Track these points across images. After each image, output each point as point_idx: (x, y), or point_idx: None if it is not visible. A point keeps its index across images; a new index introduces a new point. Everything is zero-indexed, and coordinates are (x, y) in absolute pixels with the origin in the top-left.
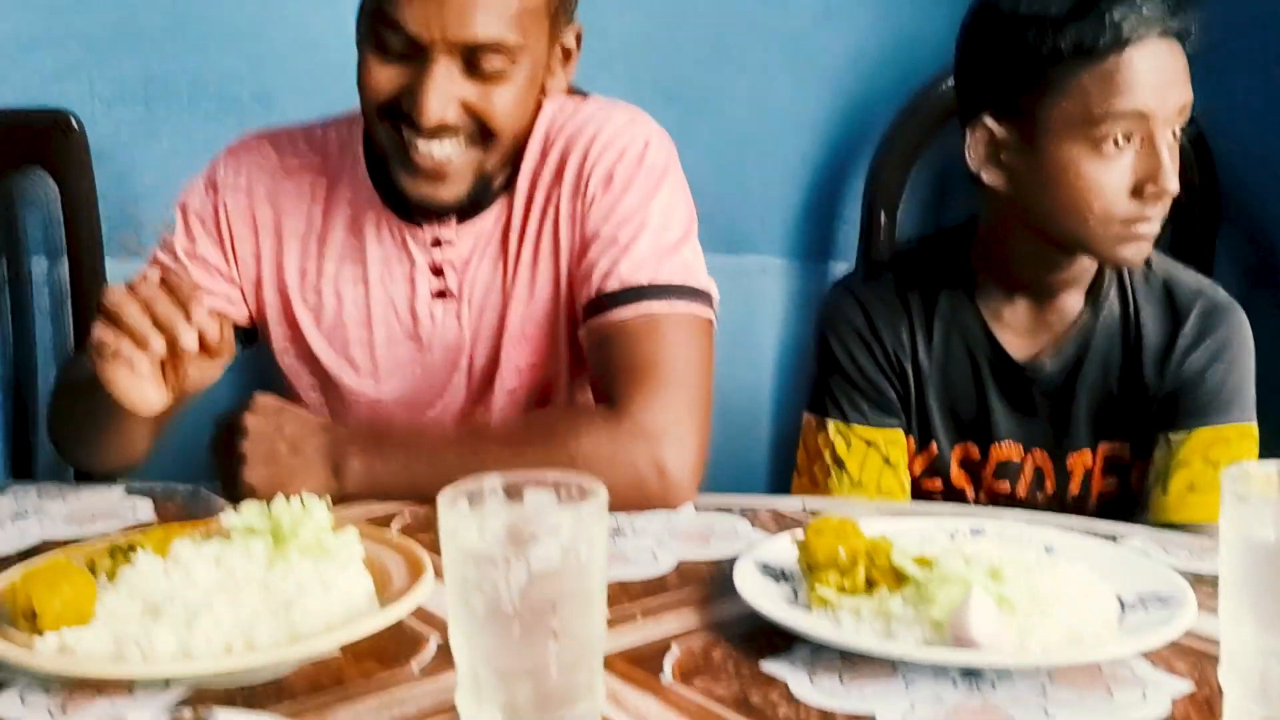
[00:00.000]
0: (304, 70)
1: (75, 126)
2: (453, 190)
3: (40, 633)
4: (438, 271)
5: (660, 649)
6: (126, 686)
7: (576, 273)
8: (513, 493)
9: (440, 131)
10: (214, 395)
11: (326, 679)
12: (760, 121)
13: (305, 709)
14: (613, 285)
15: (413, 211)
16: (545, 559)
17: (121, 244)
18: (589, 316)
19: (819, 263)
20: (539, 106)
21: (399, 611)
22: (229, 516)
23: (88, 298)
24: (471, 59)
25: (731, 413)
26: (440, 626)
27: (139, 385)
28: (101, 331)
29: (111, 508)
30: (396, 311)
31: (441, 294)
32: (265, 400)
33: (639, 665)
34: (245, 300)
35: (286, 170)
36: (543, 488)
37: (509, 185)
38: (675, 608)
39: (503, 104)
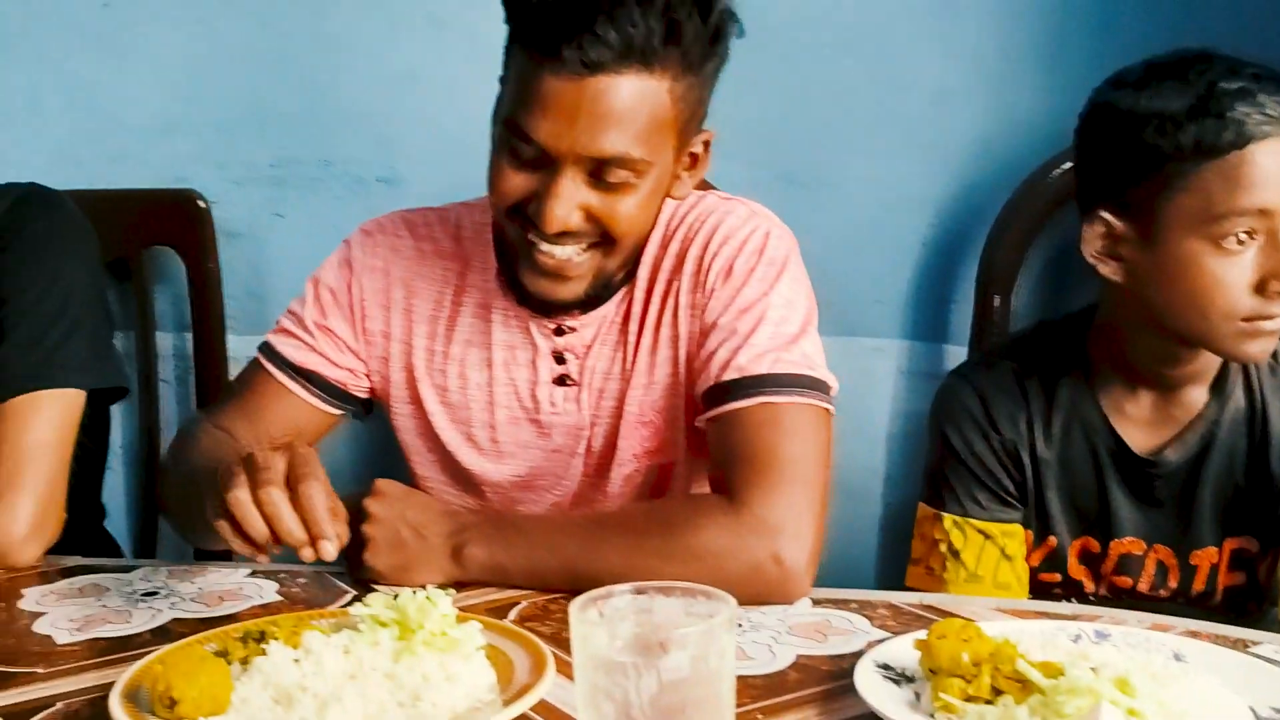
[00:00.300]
0: (428, 153)
1: (203, 207)
2: (572, 290)
3: None
4: (559, 358)
5: None
6: None
7: (695, 361)
8: (643, 601)
9: (563, 236)
10: (329, 469)
11: None
12: (876, 203)
13: None
14: (731, 375)
15: (536, 303)
16: (676, 669)
17: (245, 319)
18: (707, 405)
19: (933, 344)
20: (661, 208)
21: (522, 707)
22: (357, 608)
23: (212, 370)
24: (598, 170)
25: (844, 492)
26: None
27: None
28: (222, 528)
29: (238, 589)
30: (519, 395)
31: (562, 380)
32: (388, 485)
33: None
34: (369, 375)
35: (420, 252)
36: (672, 596)
37: (630, 274)
38: (795, 707)
39: (626, 213)
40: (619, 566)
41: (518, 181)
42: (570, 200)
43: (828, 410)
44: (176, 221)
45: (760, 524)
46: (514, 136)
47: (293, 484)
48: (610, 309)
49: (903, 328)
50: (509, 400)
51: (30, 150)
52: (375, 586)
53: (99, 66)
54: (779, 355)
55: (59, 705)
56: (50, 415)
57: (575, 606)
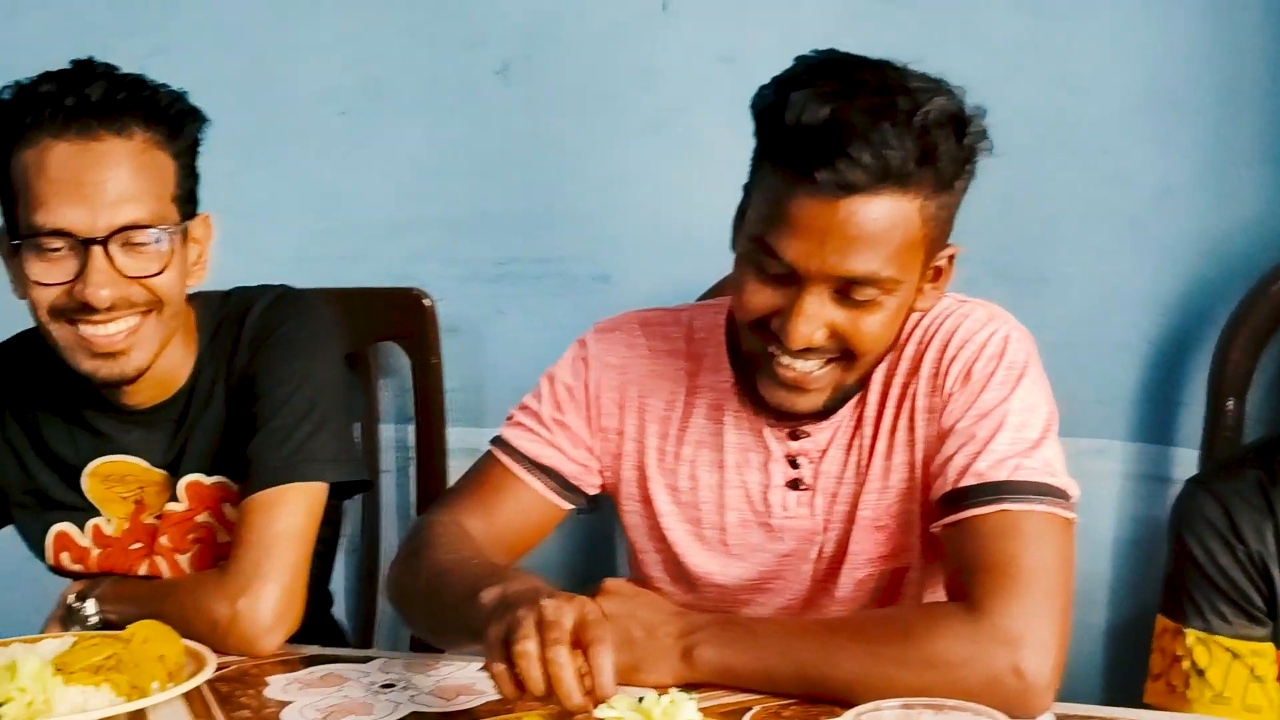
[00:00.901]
0: (643, 253)
1: (428, 304)
2: (810, 401)
3: None
4: (793, 462)
5: None
6: None
7: (931, 466)
8: (911, 716)
9: (806, 351)
10: (548, 563)
11: None
12: (1096, 301)
13: None
14: (970, 480)
15: (771, 410)
16: None
17: (464, 412)
18: (943, 511)
19: (1160, 446)
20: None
21: None
22: (602, 710)
23: (432, 460)
24: (845, 288)
25: None
26: None
27: None
28: (500, 674)
29: (473, 684)
30: (750, 498)
31: (795, 484)
32: (619, 585)
33: None
34: (602, 471)
35: (654, 352)
36: (942, 713)
37: (865, 379)
38: None
39: (870, 330)
40: (854, 673)
41: (764, 297)
42: (816, 318)
43: (1069, 519)
44: (403, 317)
45: (1001, 634)
46: (762, 253)
47: (583, 644)
48: (845, 413)
49: (1127, 429)
50: (740, 503)
51: (269, 250)
52: None
53: (334, 171)
54: (1019, 462)
55: None
56: (297, 507)
57: (849, 716)
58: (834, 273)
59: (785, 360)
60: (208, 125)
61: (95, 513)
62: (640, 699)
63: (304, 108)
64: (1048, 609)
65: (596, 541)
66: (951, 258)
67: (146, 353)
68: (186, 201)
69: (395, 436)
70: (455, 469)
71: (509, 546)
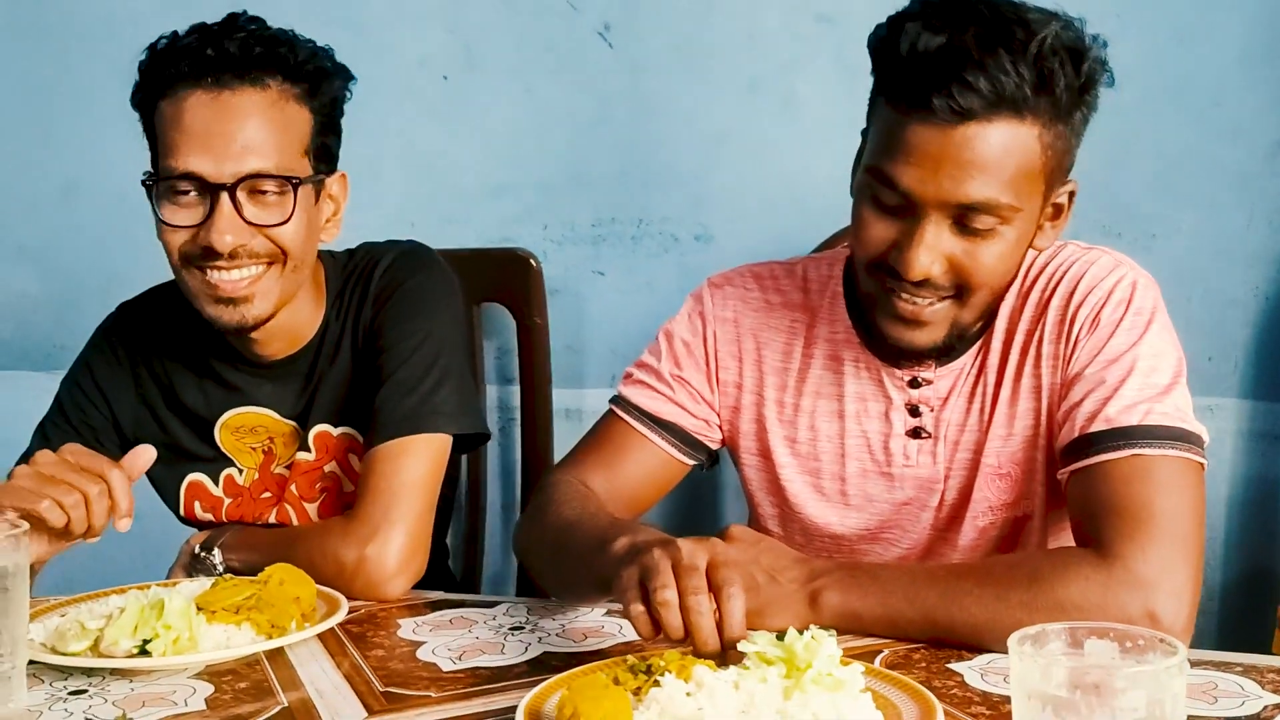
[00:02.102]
0: (740, 212)
1: (535, 265)
2: (929, 336)
3: None
4: (914, 410)
5: None
6: None
7: (1057, 413)
8: (1073, 641)
9: (922, 286)
10: (658, 519)
11: None
12: (1208, 256)
13: None
14: (1099, 426)
15: (891, 353)
16: (1132, 709)
17: (564, 373)
18: (1071, 457)
19: (1273, 404)
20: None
21: None
22: (744, 645)
23: (536, 422)
24: (962, 217)
25: None
26: None
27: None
28: (639, 618)
29: (600, 627)
30: (870, 447)
31: (917, 432)
32: (742, 531)
33: None
34: (722, 425)
35: (769, 304)
36: (1104, 639)
37: (987, 325)
38: None
39: (988, 262)
40: (980, 618)
41: (882, 229)
42: (934, 248)
43: (1201, 464)
44: (508, 278)
45: (1134, 579)
46: (878, 183)
47: (715, 588)
48: (967, 360)
49: (1239, 386)
50: (860, 452)
51: (370, 214)
52: None
53: (435, 134)
54: (1150, 407)
55: None
56: (421, 458)
57: (1013, 641)
58: (951, 199)
59: (904, 295)
60: (353, 83)
61: (228, 463)
62: (780, 635)
63: (405, 72)
64: (1182, 554)
65: (705, 497)
66: (1072, 194)
67: (268, 303)
68: (322, 158)
69: (498, 398)
70: (558, 430)
71: (631, 503)
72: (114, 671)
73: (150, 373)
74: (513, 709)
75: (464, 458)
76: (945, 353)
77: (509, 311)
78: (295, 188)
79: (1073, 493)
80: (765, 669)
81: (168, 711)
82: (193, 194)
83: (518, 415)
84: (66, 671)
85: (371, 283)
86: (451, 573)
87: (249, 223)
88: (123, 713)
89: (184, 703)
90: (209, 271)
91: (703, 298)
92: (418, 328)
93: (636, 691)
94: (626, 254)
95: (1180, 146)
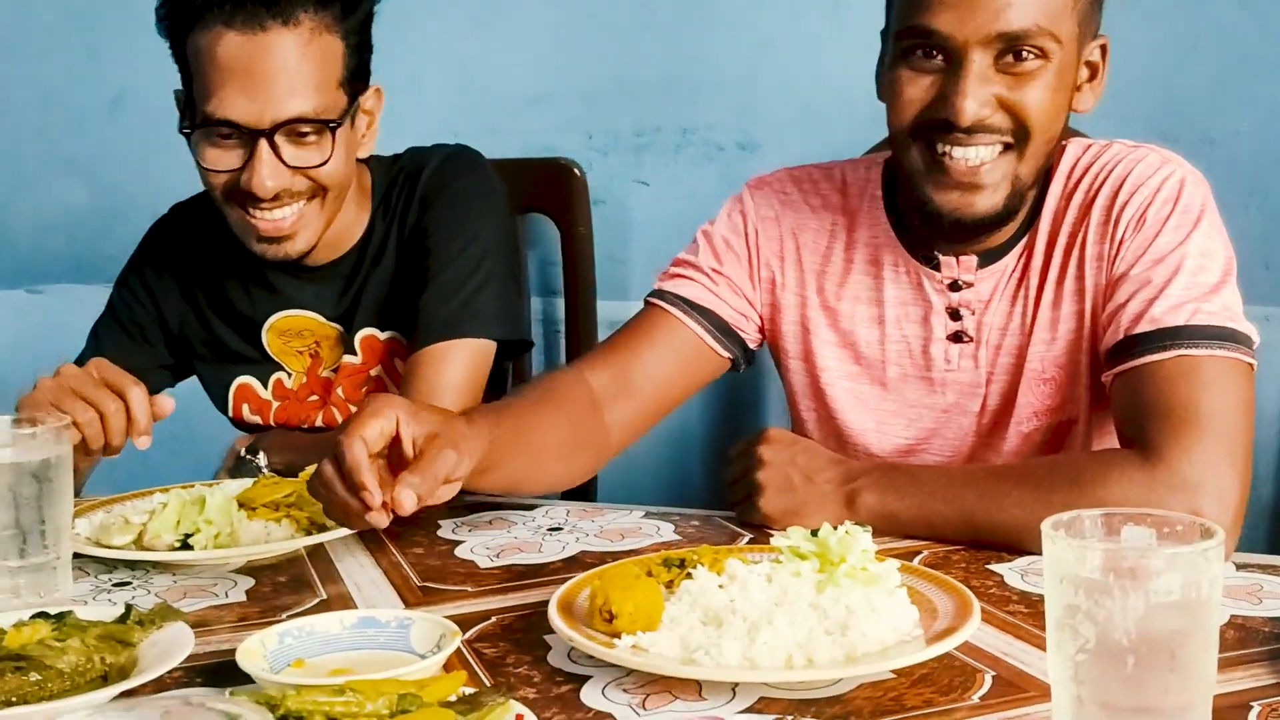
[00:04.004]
0: (785, 119)
1: (579, 175)
2: (988, 201)
3: (618, 633)
4: (955, 314)
5: (1240, 703)
6: (696, 689)
7: (1102, 315)
8: (1110, 528)
9: (976, 135)
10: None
11: (887, 701)
12: (1266, 162)
13: None
14: (1144, 327)
15: (934, 253)
16: (1166, 591)
17: (608, 284)
18: (1116, 359)
19: None
20: (1066, 125)
21: (958, 640)
22: (778, 539)
23: (581, 333)
24: (1003, 56)
25: None
26: (993, 663)
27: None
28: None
29: (636, 527)
30: (911, 352)
31: (958, 337)
32: (779, 433)
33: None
34: (762, 325)
35: (810, 207)
36: (1141, 525)
37: (1031, 225)
38: (1242, 664)
39: (1036, 99)
40: (1021, 519)
41: (920, 87)
42: (982, 89)
43: (1250, 364)
44: (552, 188)
45: (1179, 480)
46: (910, 38)
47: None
48: (1009, 261)
49: None
50: (901, 358)
51: (412, 124)
52: (769, 531)
53: (476, 44)
54: (1197, 306)
55: (493, 619)
56: (464, 362)
57: (1047, 526)
58: (991, 31)
59: (957, 154)
60: None
61: (276, 367)
62: (814, 531)
63: None
64: (1228, 456)
65: (747, 403)
66: (1105, 49)
67: (311, 234)
68: (356, 79)
69: (542, 309)
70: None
71: (656, 394)
72: (157, 564)
73: (198, 274)
74: (547, 603)
75: (508, 367)
76: (988, 256)
77: (553, 222)
78: (334, 130)
79: (1116, 395)
80: (798, 563)
81: (209, 603)
82: (232, 138)
83: (562, 327)
84: (111, 564)
85: (418, 185)
86: None
87: (289, 166)
88: (164, 602)
89: (225, 595)
90: (251, 211)
91: (743, 198)
92: (463, 230)
93: (669, 585)
94: (670, 163)
95: (1241, 48)
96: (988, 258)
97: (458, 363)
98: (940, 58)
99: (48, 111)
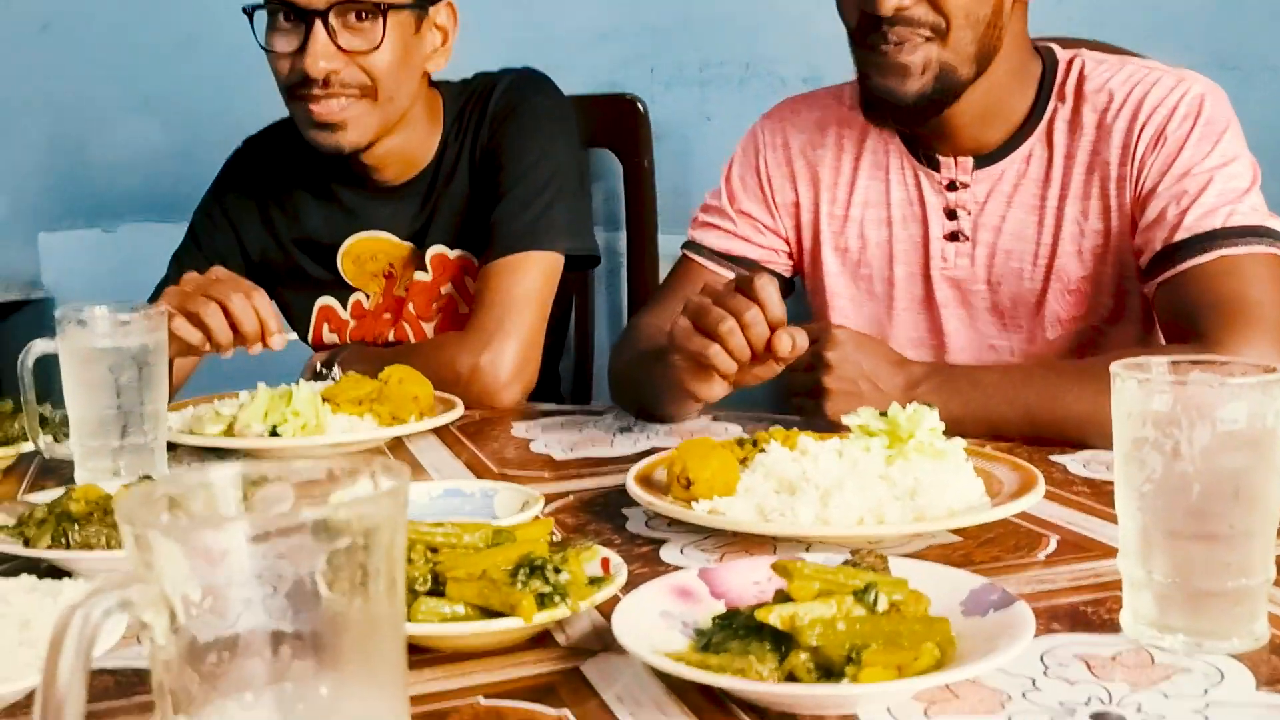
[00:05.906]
0: (848, 53)
1: (642, 109)
2: (916, 84)
3: (695, 499)
4: (951, 214)
5: None
6: (771, 550)
7: (1131, 234)
8: (1179, 370)
9: (898, 27)
10: None
11: (957, 558)
12: None
13: None
14: (1182, 235)
15: (930, 154)
16: (1232, 420)
17: (672, 218)
18: (1157, 270)
19: None
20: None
21: (1022, 505)
22: (848, 418)
23: (644, 265)
24: None
25: None
26: (1057, 530)
27: (708, 386)
28: (687, 337)
29: (704, 428)
30: (913, 250)
31: (954, 236)
32: (844, 334)
33: None
34: (790, 252)
35: (819, 125)
36: (1209, 370)
37: (1028, 132)
38: None
39: None
40: (1084, 413)
41: None
42: None
43: None
44: (615, 123)
45: None
46: None
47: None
48: (1006, 165)
49: None
50: (908, 256)
51: (476, 62)
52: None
53: None
54: (1232, 208)
55: (571, 497)
56: (535, 273)
57: (1116, 367)
58: None
59: (884, 47)
60: None
61: (354, 290)
62: (883, 413)
63: None
64: (1278, 342)
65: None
66: None
67: (361, 131)
68: None
69: (605, 242)
70: (664, 275)
71: None
72: (247, 452)
73: (275, 200)
74: (623, 485)
75: (572, 296)
76: (985, 158)
77: (616, 156)
78: (384, 12)
79: (1162, 302)
80: (869, 439)
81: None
82: (291, 21)
83: (624, 260)
84: (202, 453)
85: (489, 104)
86: (562, 397)
87: (342, 49)
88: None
89: None
90: (308, 101)
91: (755, 130)
92: (535, 145)
93: (743, 462)
94: (733, 97)
95: None
96: (983, 161)
97: (531, 274)
98: None
99: (122, 51)
